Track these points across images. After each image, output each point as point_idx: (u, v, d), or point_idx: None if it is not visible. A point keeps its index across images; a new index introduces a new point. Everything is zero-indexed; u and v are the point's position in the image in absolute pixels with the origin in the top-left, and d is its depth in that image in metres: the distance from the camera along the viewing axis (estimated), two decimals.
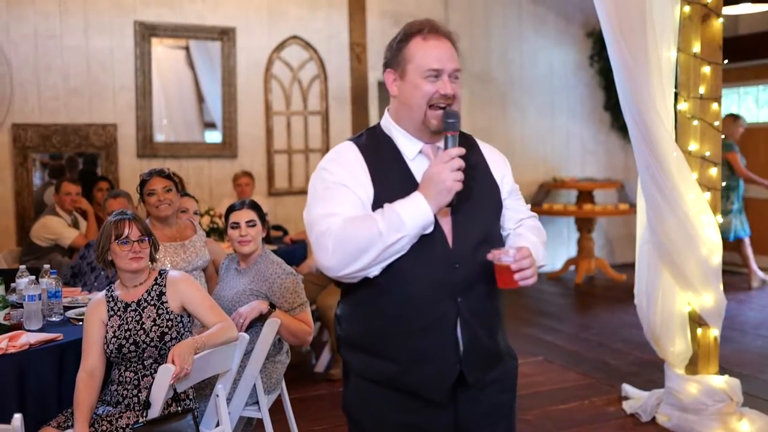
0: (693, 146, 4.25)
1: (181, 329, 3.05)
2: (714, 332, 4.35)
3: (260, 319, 3.46)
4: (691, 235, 4.08)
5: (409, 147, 2.14)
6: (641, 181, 4.22)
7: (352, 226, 1.97)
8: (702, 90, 4.23)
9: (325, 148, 8.20)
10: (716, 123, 4.28)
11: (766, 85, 9.16)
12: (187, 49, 7.95)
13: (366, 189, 2.06)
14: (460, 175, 1.98)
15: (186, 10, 7.50)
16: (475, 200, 2.12)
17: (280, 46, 7.94)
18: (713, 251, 4.15)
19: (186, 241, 4.03)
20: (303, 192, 8.09)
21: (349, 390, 2.22)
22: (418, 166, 2.11)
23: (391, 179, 2.08)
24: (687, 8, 4.20)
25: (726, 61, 4.34)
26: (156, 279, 3.11)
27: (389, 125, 2.18)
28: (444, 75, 2.08)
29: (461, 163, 1.99)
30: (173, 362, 2.76)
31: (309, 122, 8.17)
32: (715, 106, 4.27)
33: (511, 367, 2.28)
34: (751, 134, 9.28)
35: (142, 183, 4.02)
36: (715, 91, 4.27)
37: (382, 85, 8.55)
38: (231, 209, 3.75)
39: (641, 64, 3.88)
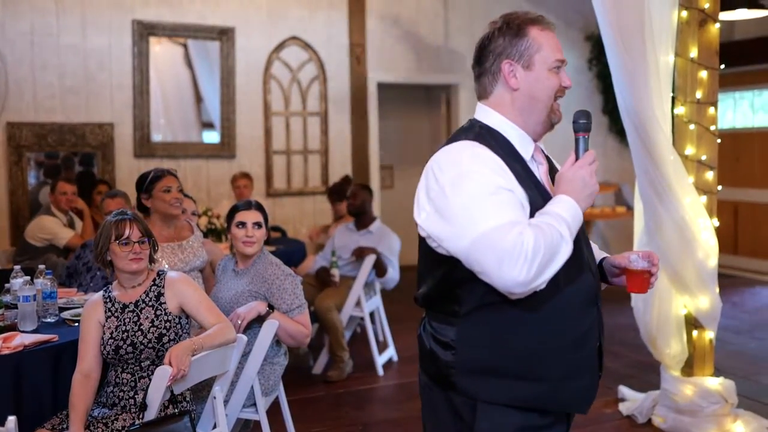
0: (689, 150, 4.28)
1: (179, 330, 3.04)
2: (709, 334, 4.37)
3: (258, 321, 3.47)
4: (688, 238, 4.11)
5: (524, 147, 1.99)
6: (639, 185, 4.24)
7: (542, 234, 1.78)
8: (699, 94, 4.25)
9: (324, 150, 8.22)
10: (712, 127, 4.30)
11: (762, 90, 9.19)
12: (185, 48, 7.95)
13: (518, 191, 1.88)
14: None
15: (185, 10, 7.50)
16: None
17: (280, 47, 7.95)
18: (709, 254, 4.17)
19: (183, 241, 4.04)
20: (302, 193, 8.11)
21: (480, 419, 1.97)
22: (533, 167, 2.00)
23: (523, 180, 1.92)
24: (684, 13, 4.23)
25: (723, 66, 4.38)
26: (154, 280, 3.10)
27: (501, 122, 1.99)
28: (563, 67, 2.02)
29: (596, 166, 1.97)
30: (170, 364, 2.75)
31: (308, 123, 8.18)
32: (711, 110, 4.30)
33: None
34: (746, 138, 9.33)
35: (155, 179, 4.00)
36: (711, 95, 4.30)
37: (381, 86, 8.58)
38: (236, 209, 3.76)
39: (639, 68, 3.90)
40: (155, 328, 2.99)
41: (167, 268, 3.77)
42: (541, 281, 1.79)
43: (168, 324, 3.01)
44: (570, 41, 9.37)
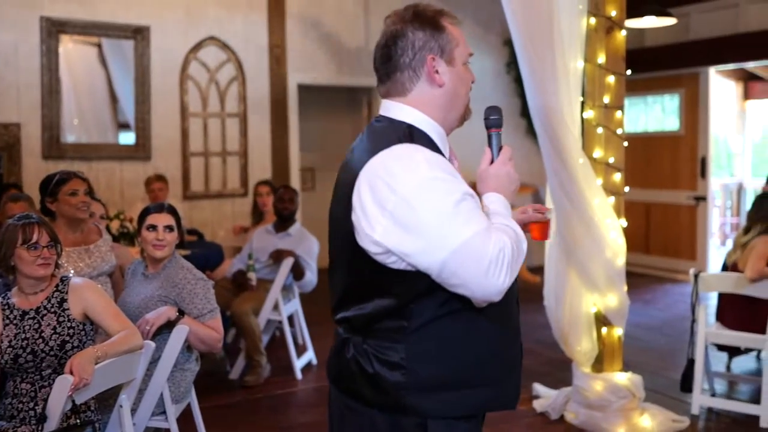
0: (598, 153, 4.39)
1: (84, 337, 2.96)
2: (618, 331, 4.50)
3: (168, 326, 3.39)
4: (597, 238, 4.22)
5: (444, 145, 1.92)
6: (550, 186, 4.34)
7: (508, 237, 1.75)
8: (606, 99, 4.38)
9: (243, 152, 8.13)
10: (619, 131, 4.44)
11: (672, 95, 9.51)
12: (99, 47, 7.73)
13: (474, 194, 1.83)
14: None
15: (97, 7, 7.30)
16: None
17: (197, 47, 7.83)
18: (617, 254, 4.30)
19: (91, 245, 3.93)
20: (220, 195, 8.01)
21: None
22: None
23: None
24: (593, 20, 4.34)
25: (629, 72, 4.52)
26: (57, 285, 3.01)
27: (424, 121, 1.90)
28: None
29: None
30: (71, 372, 2.66)
31: (226, 125, 8.08)
32: (618, 114, 4.43)
33: None
34: (657, 142, 9.65)
35: (60, 182, 3.87)
36: (618, 100, 4.43)
37: (302, 88, 8.55)
38: (147, 211, 3.67)
39: (549, 73, 3.99)
40: (57, 335, 2.90)
41: (72, 274, 3.67)
42: (511, 281, 1.76)
43: (71, 331, 2.93)
44: (488, 46, 9.51)
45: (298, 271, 5.46)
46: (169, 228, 3.59)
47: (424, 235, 1.70)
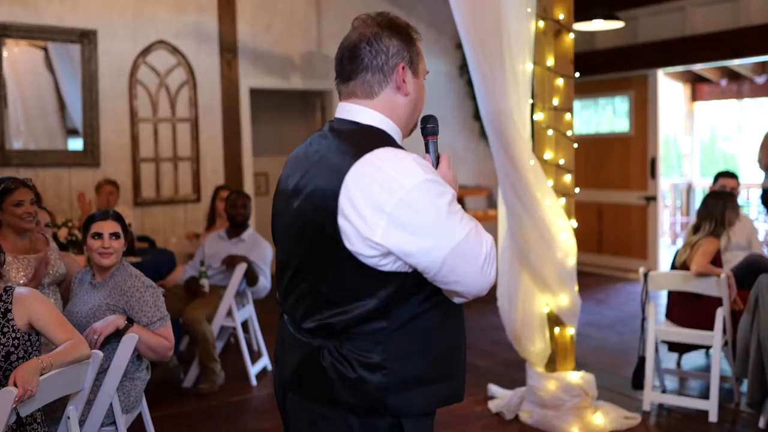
0: (548, 155, 4.44)
1: (29, 348, 2.89)
2: (570, 331, 4.55)
3: (117, 335, 3.32)
4: (548, 239, 4.27)
5: None
6: (501, 188, 4.37)
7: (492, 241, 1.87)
8: (556, 101, 4.42)
9: (195, 156, 8.04)
10: (569, 132, 4.49)
11: (622, 97, 9.67)
12: (45, 51, 7.58)
13: None
14: None
15: (42, 11, 7.15)
16: None
17: (146, 51, 7.72)
18: (568, 254, 4.35)
19: (39, 254, 3.85)
20: (171, 201, 7.90)
21: None
22: None
23: None
24: (541, 23, 4.39)
25: (579, 74, 4.57)
26: (1, 296, 2.94)
27: (390, 126, 1.94)
28: None
29: None
30: (15, 385, 2.59)
31: (177, 129, 7.98)
32: (567, 116, 4.48)
33: None
34: (608, 143, 9.80)
35: (5, 192, 3.78)
36: (567, 102, 4.48)
37: (254, 92, 8.49)
38: (92, 219, 3.59)
39: (498, 76, 4.02)
40: (2, 346, 2.82)
41: (23, 282, 3.59)
42: None
43: (16, 341, 2.85)
44: (442, 49, 9.56)
45: (251, 277, 5.42)
46: (115, 235, 3.51)
47: (427, 234, 1.75)
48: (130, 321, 3.36)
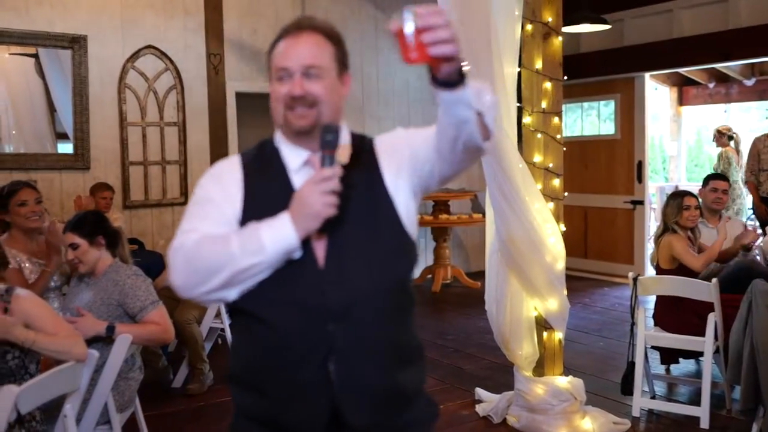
0: (537, 158, 4.47)
1: (25, 349, 2.92)
2: (559, 335, 4.57)
3: (109, 340, 3.38)
4: (536, 243, 4.27)
5: (293, 157, 1.89)
6: (489, 192, 4.37)
7: (205, 245, 1.76)
8: (544, 105, 4.46)
9: (183, 160, 8.05)
10: (558, 136, 4.52)
11: (608, 101, 9.72)
12: (36, 57, 7.58)
13: (234, 205, 1.84)
14: (332, 199, 1.73)
15: (33, 16, 7.15)
16: (361, 219, 1.84)
17: (135, 56, 7.72)
18: (557, 258, 4.36)
19: (58, 261, 3.94)
20: (160, 204, 7.91)
21: (230, 429, 1.95)
22: (302, 179, 1.83)
23: (268, 194, 1.84)
24: (529, 27, 4.42)
25: (566, 78, 4.61)
26: (2, 296, 2.98)
27: (277, 135, 1.94)
28: (295, 74, 1.84)
29: (334, 185, 1.74)
30: None
31: (165, 133, 7.98)
32: (556, 120, 4.51)
33: (422, 416, 1.95)
34: (593, 147, 9.85)
35: (9, 193, 3.87)
36: (556, 105, 4.51)
37: (240, 96, 8.49)
38: (64, 230, 3.66)
39: (486, 79, 4.04)
40: None
41: (32, 281, 3.65)
42: (203, 291, 1.78)
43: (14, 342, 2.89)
44: None
45: None
46: (73, 246, 3.56)
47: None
48: (111, 328, 3.38)
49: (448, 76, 1.63)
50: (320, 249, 1.80)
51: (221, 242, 1.75)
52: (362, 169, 1.87)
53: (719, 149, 9.35)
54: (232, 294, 1.79)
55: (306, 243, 1.78)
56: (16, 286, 3.14)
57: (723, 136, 9.29)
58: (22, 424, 2.83)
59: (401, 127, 1.99)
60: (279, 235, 1.73)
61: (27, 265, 3.88)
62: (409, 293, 1.92)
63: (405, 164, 1.88)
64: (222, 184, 1.88)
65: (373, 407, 1.82)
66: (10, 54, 7.34)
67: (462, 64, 1.62)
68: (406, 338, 1.90)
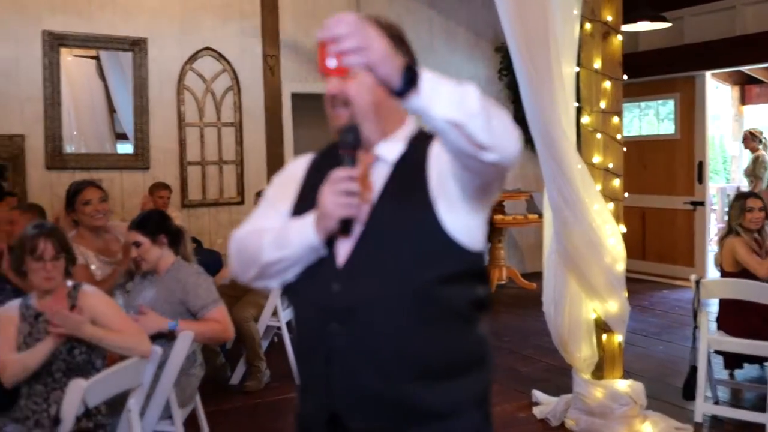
0: (596, 159, 4.42)
1: (92, 344, 2.99)
2: (618, 338, 4.50)
3: (170, 336, 3.44)
4: (596, 244, 4.22)
5: None
6: (548, 193, 4.33)
7: (248, 237, 1.88)
8: (603, 104, 4.40)
9: (240, 160, 8.16)
10: (618, 136, 4.45)
11: (666, 100, 9.55)
12: (98, 59, 7.78)
13: (288, 202, 1.90)
14: (347, 200, 1.70)
15: (96, 20, 7.33)
16: (395, 221, 1.77)
17: (193, 58, 7.85)
18: (617, 260, 4.30)
19: (114, 257, 4.02)
20: (217, 203, 8.02)
21: None
22: None
23: (316, 193, 1.79)
24: (588, 26, 4.37)
25: (626, 77, 4.54)
26: (69, 292, 3.06)
27: None
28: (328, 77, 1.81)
29: (350, 186, 1.70)
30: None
31: (222, 134, 8.09)
32: (615, 119, 4.45)
33: None
34: (652, 147, 9.67)
35: (75, 192, 3.97)
36: (615, 105, 4.45)
37: (296, 97, 8.57)
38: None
39: (545, 79, 4.00)
40: (67, 340, 2.94)
41: (99, 278, 3.74)
42: (248, 278, 1.89)
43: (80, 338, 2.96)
44: (481, 52, 9.55)
45: None
46: (136, 244, 3.64)
47: None
48: (173, 325, 3.45)
49: (389, 86, 1.53)
50: (345, 249, 1.79)
51: (259, 235, 1.84)
52: (410, 170, 1.81)
53: (754, 153, 9.13)
54: (273, 283, 1.88)
55: (333, 241, 1.79)
56: (84, 282, 3.22)
57: (755, 139, 9.08)
58: (89, 417, 2.91)
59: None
60: (304, 233, 1.77)
61: (94, 261, 3.97)
62: (442, 304, 1.77)
63: (446, 168, 1.74)
64: (282, 183, 1.97)
65: (370, 414, 1.77)
66: (73, 56, 7.53)
67: (409, 69, 1.52)
68: (430, 351, 1.77)
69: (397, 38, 1.89)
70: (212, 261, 6.05)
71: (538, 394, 4.98)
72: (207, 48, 7.91)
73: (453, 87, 1.54)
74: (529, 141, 4.01)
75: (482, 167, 1.63)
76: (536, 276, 8.64)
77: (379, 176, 1.83)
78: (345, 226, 1.74)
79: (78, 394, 2.70)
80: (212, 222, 7.99)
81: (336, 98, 1.81)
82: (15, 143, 6.98)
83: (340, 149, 1.74)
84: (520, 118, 10.09)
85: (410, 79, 1.51)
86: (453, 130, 1.54)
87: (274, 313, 5.46)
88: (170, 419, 3.45)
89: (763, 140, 9.10)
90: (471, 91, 1.54)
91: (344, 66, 1.52)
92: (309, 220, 1.77)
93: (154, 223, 3.73)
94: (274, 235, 1.82)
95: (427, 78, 1.52)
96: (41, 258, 2.95)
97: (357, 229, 1.78)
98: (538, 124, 4.11)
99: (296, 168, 1.97)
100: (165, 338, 3.42)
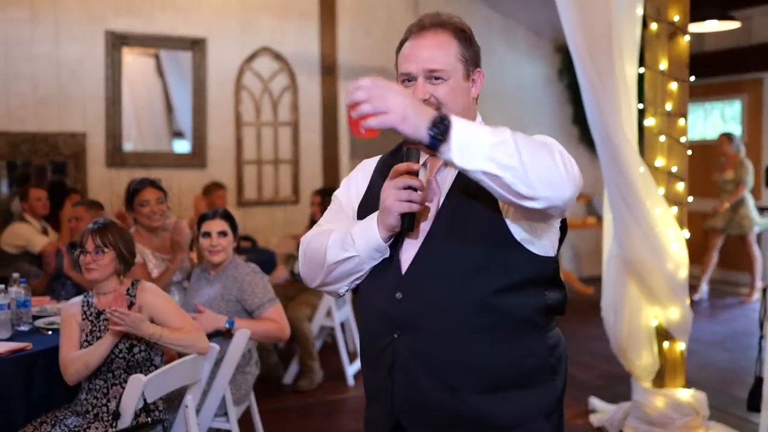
0: (660, 162, 4.30)
1: (151, 342, 3.01)
2: (681, 346, 4.38)
3: (227, 334, 3.45)
4: (657, 249, 4.11)
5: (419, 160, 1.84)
6: (608, 196, 4.24)
7: (315, 239, 1.83)
8: (669, 106, 4.28)
9: (295, 160, 8.19)
10: (683, 139, 4.33)
11: (732, 101, 9.30)
12: (157, 58, 7.90)
13: (353, 205, 1.90)
14: (408, 195, 1.65)
15: (157, 20, 7.45)
16: (460, 227, 1.74)
17: (251, 57, 7.91)
18: (679, 265, 4.18)
19: (177, 257, 4.08)
20: (272, 203, 8.07)
21: None
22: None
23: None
24: (654, 26, 4.26)
25: (693, 78, 4.41)
26: (128, 290, 3.09)
27: None
28: (419, 78, 1.79)
29: (412, 181, 1.66)
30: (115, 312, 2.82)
31: (279, 133, 8.14)
32: (681, 122, 4.32)
33: None
34: (717, 149, 9.39)
35: (134, 192, 4.02)
36: (681, 107, 4.32)
37: None
38: (203, 218, 3.75)
39: (607, 80, 3.92)
40: (126, 338, 2.97)
41: (155, 276, 3.79)
42: (318, 283, 1.86)
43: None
44: (541, 52, 9.44)
45: None
46: (223, 233, 3.66)
47: None
48: (230, 323, 3.48)
49: (414, 142, 1.56)
50: (409, 254, 1.77)
51: (325, 236, 1.80)
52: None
53: None
54: (342, 288, 1.84)
55: (396, 246, 1.76)
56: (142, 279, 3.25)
57: None
58: (148, 412, 2.94)
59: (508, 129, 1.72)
60: (367, 232, 1.74)
61: (151, 259, 4.01)
62: (505, 312, 1.73)
63: None
64: (350, 184, 1.96)
65: (432, 425, 1.77)
66: (133, 56, 7.68)
67: (440, 121, 1.51)
68: (495, 361, 1.74)
69: (462, 36, 1.89)
70: (266, 260, 6.08)
71: (595, 402, 4.88)
72: (265, 48, 7.97)
73: (487, 136, 1.51)
74: (589, 142, 3.94)
75: (530, 211, 1.61)
76: (594, 280, 8.51)
77: (446, 180, 1.80)
78: (406, 223, 1.70)
79: (138, 389, 2.74)
80: (267, 221, 8.05)
81: (427, 103, 1.75)
82: (77, 141, 7.15)
83: (405, 143, 1.72)
84: (580, 119, 9.95)
85: (442, 131, 1.50)
86: (489, 181, 1.51)
87: (329, 314, 5.46)
88: (225, 416, 3.47)
89: None
90: (508, 141, 1.51)
91: (369, 129, 1.56)
92: (372, 218, 1.75)
93: (234, 219, 3.81)
94: (339, 235, 1.78)
95: (458, 128, 1.50)
96: (85, 251, 3.02)
97: (421, 236, 1.76)
98: (599, 126, 4.03)
99: (363, 169, 1.97)
100: (222, 336, 3.44)
